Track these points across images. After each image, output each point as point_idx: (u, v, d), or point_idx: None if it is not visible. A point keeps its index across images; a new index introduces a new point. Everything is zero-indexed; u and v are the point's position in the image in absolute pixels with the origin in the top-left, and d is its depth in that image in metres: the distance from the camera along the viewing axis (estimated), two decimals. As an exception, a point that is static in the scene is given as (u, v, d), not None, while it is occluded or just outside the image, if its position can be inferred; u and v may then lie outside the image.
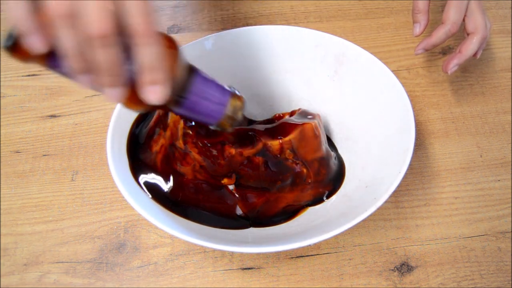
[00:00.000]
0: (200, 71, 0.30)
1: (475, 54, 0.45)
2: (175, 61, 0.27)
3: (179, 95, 0.29)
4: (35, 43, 0.23)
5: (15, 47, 0.24)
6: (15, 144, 0.48)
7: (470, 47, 0.44)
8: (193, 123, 0.36)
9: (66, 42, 0.23)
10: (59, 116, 0.50)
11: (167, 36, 0.27)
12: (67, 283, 0.39)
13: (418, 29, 0.46)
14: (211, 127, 0.33)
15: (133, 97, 0.26)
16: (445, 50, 0.55)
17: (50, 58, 0.25)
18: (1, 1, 0.23)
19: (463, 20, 0.44)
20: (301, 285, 0.39)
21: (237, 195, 0.39)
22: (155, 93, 0.26)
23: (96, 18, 0.22)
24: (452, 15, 0.43)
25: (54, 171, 0.46)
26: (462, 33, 0.46)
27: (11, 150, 0.48)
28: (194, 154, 0.36)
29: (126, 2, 0.23)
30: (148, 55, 0.24)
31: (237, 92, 0.32)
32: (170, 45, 0.27)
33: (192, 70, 0.29)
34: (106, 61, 0.24)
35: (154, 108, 0.29)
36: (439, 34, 0.44)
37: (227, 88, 0.31)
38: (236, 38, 0.45)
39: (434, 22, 0.57)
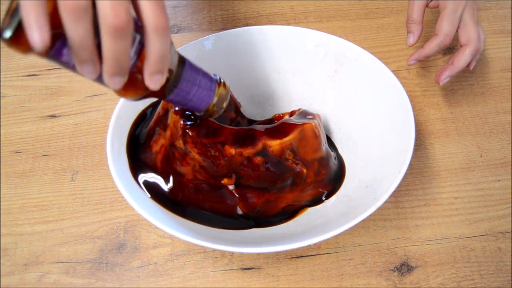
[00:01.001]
0: (189, 61, 0.31)
1: (468, 66, 0.45)
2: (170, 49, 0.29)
3: (172, 83, 0.30)
4: (40, 37, 0.22)
5: (16, 38, 0.22)
6: (15, 144, 0.48)
7: (462, 59, 0.44)
8: (193, 123, 0.36)
9: (76, 33, 0.23)
10: (59, 116, 0.50)
11: None
12: (67, 283, 0.39)
13: (412, 39, 0.46)
14: (198, 114, 0.35)
15: (130, 85, 0.28)
16: (445, 51, 0.55)
17: (52, 48, 0.24)
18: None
19: (457, 31, 0.44)
20: (301, 285, 0.39)
21: (237, 195, 0.39)
22: (157, 81, 0.27)
23: (114, 10, 0.23)
24: (445, 27, 0.43)
25: (54, 171, 0.46)
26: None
27: (11, 150, 0.48)
28: (194, 154, 0.36)
29: None
30: (160, 46, 0.26)
31: (222, 80, 0.34)
32: None
33: (182, 60, 0.31)
34: (116, 51, 0.24)
35: (148, 95, 0.30)
36: (432, 46, 0.44)
37: (213, 76, 0.33)
38: (236, 38, 0.45)
39: (433, 22, 0.57)
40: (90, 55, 0.24)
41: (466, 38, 0.44)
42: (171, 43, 0.29)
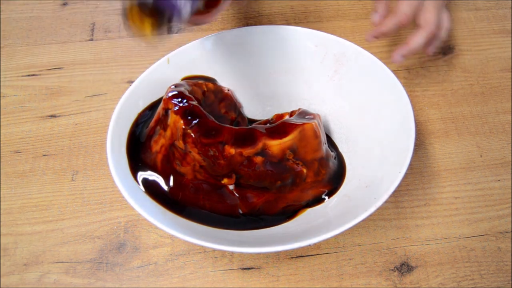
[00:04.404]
0: None
1: (426, 50, 0.47)
2: None
3: None
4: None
5: None
6: (15, 144, 0.48)
7: (415, 39, 0.45)
8: (193, 122, 0.36)
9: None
10: (59, 116, 0.50)
11: None
12: (67, 283, 0.39)
13: (376, 17, 0.47)
14: None
15: None
16: (445, 50, 0.55)
17: None
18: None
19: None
20: (301, 285, 0.39)
21: (237, 195, 0.39)
22: None
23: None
24: (403, 6, 0.44)
25: (54, 171, 0.46)
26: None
27: (11, 150, 0.48)
28: (194, 154, 0.36)
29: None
30: None
31: None
32: None
33: None
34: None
35: None
36: (387, 23, 0.45)
37: None
38: (236, 38, 0.45)
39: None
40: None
41: (424, 21, 0.45)
42: None
